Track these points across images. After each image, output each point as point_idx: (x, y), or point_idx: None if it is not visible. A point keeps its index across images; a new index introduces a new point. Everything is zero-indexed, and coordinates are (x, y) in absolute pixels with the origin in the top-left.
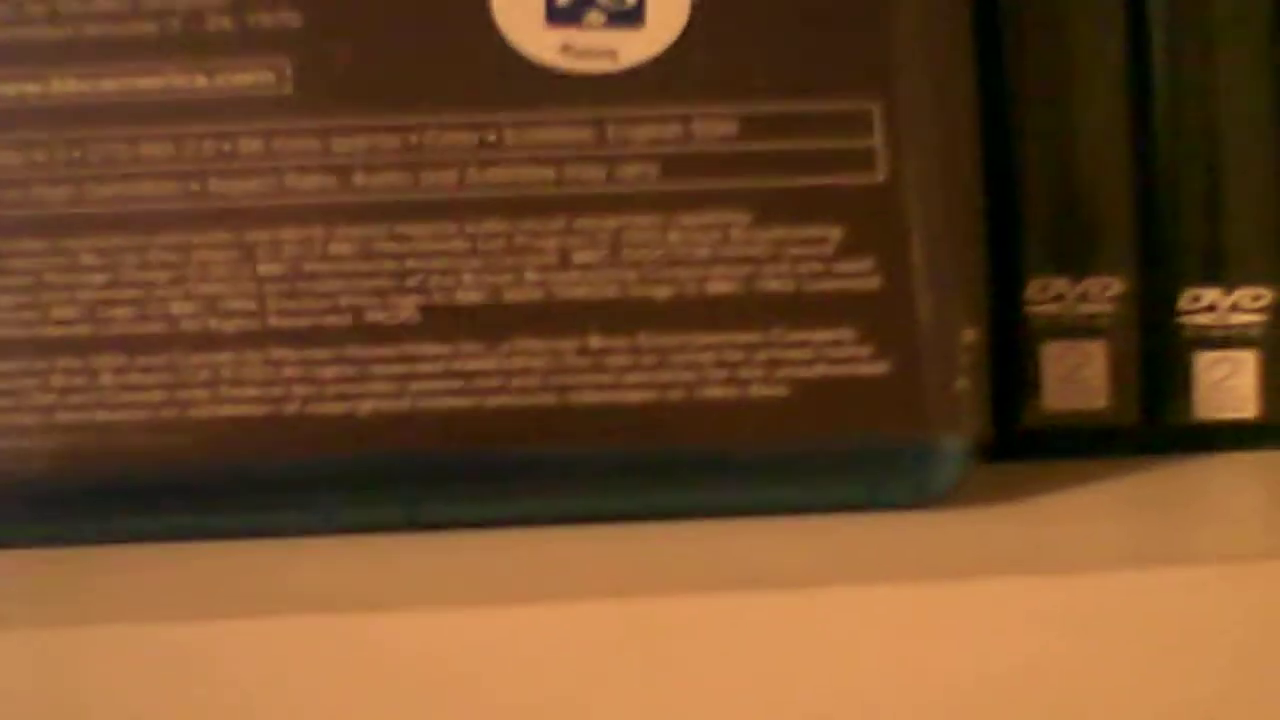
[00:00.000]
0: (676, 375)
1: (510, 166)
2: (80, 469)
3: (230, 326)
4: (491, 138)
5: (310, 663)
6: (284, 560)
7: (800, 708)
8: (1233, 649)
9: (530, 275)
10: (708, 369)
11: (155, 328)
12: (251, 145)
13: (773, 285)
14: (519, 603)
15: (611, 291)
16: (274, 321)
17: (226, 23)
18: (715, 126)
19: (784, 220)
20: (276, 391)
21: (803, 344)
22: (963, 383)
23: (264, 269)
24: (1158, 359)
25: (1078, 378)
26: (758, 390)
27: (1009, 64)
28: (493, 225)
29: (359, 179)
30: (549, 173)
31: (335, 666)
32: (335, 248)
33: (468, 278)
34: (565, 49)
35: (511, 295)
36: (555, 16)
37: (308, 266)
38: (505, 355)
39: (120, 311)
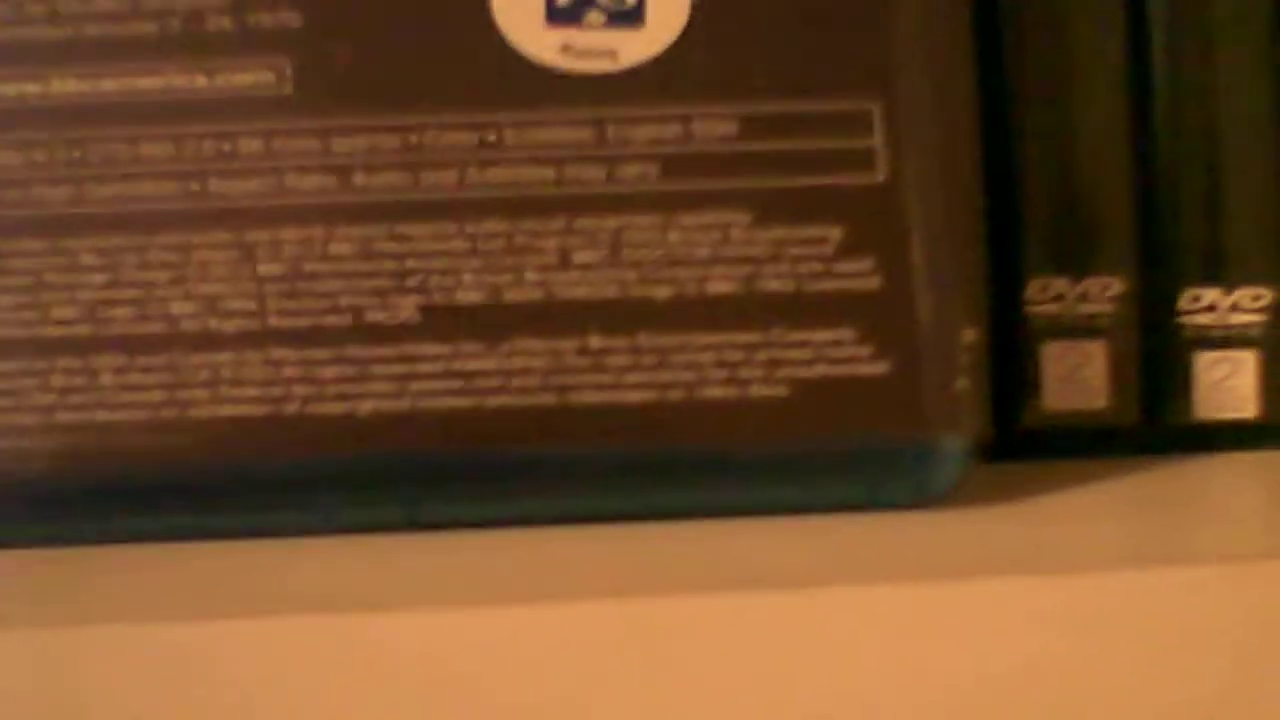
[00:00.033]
0: (676, 375)
1: (510, 166)
2: (80, 469)
3: (230, 326)
4: (491, 138)
5: (310, 663)
6: (284, 560)
7: (800, 708)
8: (1232, 649)
9: (530, 275)
10: (708, 369)
11: (155, 328)
12: (251, 145)
13: (773, 285)
14: (519, 603)
15: (611, 291)
16: (274, 321)
17: (226, 23)
18: (715, 126)
19: (784, 220)
20: (276, 391)
21: (803, 344)
22: (963, 383)
23: (264, 269)
24: (1158, 359)
25: (1078, 378)
26: (758, 390)
27: (1009, 64)
28: (493, 225)
29: (359, 179)
30: (549, 173)
31: (335, 666)
32: (335, 248)
33: (468, 278)
34: (565, 49)
35: (511, 295)
36: (555, 16)
37: (308, 266)
38: (505, 355)
39: (120, 311)
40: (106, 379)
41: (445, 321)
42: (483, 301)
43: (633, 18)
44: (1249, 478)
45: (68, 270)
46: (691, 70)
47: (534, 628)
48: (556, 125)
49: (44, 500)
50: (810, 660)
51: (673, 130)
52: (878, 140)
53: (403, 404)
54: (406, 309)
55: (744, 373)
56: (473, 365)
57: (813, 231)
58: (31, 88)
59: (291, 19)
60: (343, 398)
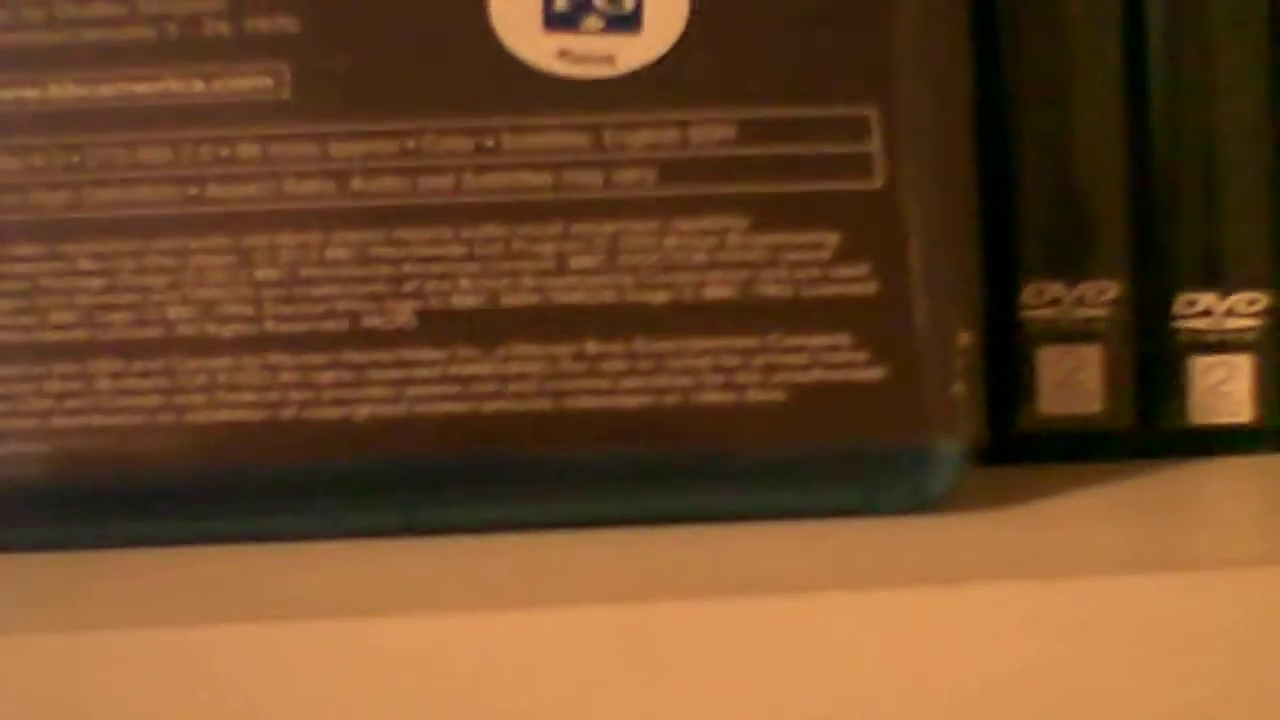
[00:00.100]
0: (673, 380)
1: (507, 171)
2: (77, 474)
3: (227, 331)
4: (489, 143)
5: (309, 667)
6: (281, 565)
7: (797, 713)
8: (1229, 653)
9: (527, 280)
10: (704, 374)
11: (152, 332)
12: (249, 150)
13: (770, 290)
14: (517, 607)
15: (608, 296)
16: (271, 326)
17: (224, 28)
18: (713, 132)
19: (781, 225)
20: (273, 396)
21: (799, 349)
22: (959, 387)
23: (261, 274)
24: (1153, 363)
25: (1073, 382)
26: (754, 395)
27: (1006, 68)
28: (490, 230)
29: (356, 184)
30: (546, 178)
31: (334, 671)
32: (332, 253)
33: (465, 283)
34: (563, 54)
35: (508, 300)
36: (553, 22)
37: (305, 271)
38: (502, 360)
39: (117, 316)
40: (103, 384)
41: (442, 326)
42: (479, 306)
43: (630, 23)
44: (1244, 482)
45: (65, 275)
46: (689, 75)
47: (532, 632)
48: (554, 130)
49: (41, 505)
50: (807, 666)
51: (670, 135)
52: (875, 146)
53: (399, 409)
54: (403, 314)
55: (741, 378)
56: (469, 370)
57: (810, 237)
58: (29, 93)
59: (289, 24)
60: (339, 403)
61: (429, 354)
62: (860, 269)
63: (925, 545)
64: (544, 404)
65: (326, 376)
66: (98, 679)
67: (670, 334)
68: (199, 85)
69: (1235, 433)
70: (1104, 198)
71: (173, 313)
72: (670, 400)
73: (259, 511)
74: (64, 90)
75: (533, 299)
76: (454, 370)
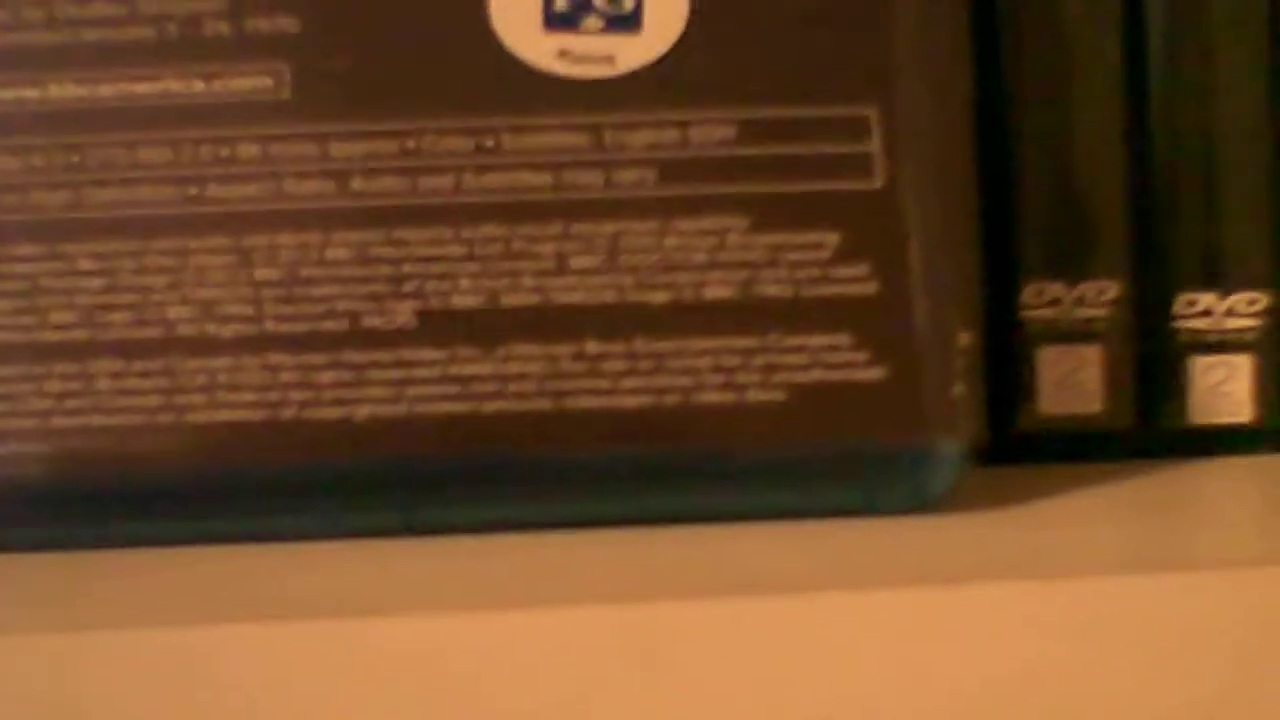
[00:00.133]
0: (673, 380)
1: (507, 171)
2: (77, 474)
3: (227, 331)
4: (489, 143)
5: (309, 667)
6: (281, 565)
7: (798, 713)
8: (1229, 654)
9: (527, 280)
10: (704, 374)
11: (152, 332)
12: (249, 150)
13: (770, 290)
14: (517, 607)
15: (608, 296)
16: (271, 326)
17: (224, 28)
18: (713, 132)
19: (781, 225)
20: (273, 396)
21: (799, 349)
22: (959, 388)
23: (261, 274)
24: (1153, 363)
25: (1073, 382)
26: (754, 395)
27: (1006, 68)
28: (490, 230)
29: (356, 184)
30: (546, 178)
31: (334, 671)
32: (332, 253)
33: (465, 283)
34: (563, 54)
35: (508, 300)
36: (553, 22)
37: (305, 271)
38: (502, 360)
39: (117, 316)
40: (103, 384)
41: (442, 326)
42: (479, 306)
43: (630, 23)
44: (1244, 482)
45: (65, 275)
46: (689, 75)
47: (532, 632)
48: (554, 130)
49: (41, 505)
50: (807, 666)
51: (670, 135)
52: (875, 146)
53: (399, 409)
54: (403, 314)
55: (741, 378)
56: (469, 370)
57: (810, 237)
58: (29, 93)
59: (289, 24)
60: (339, 403)
61: (429, 354)
62: (860, 269)
63: (925, 545)
64: (544, 404)
65: (326, 376)
66: (97, 679)
67: (670, 334)
68: (199, 85)
69: (1235, 433)
70: (1104, 198)
71: (173, 313)
72: (670, 400)
73: (259, 511)
74: (64, 90)
75: (533, 299)
76: (454, 370)
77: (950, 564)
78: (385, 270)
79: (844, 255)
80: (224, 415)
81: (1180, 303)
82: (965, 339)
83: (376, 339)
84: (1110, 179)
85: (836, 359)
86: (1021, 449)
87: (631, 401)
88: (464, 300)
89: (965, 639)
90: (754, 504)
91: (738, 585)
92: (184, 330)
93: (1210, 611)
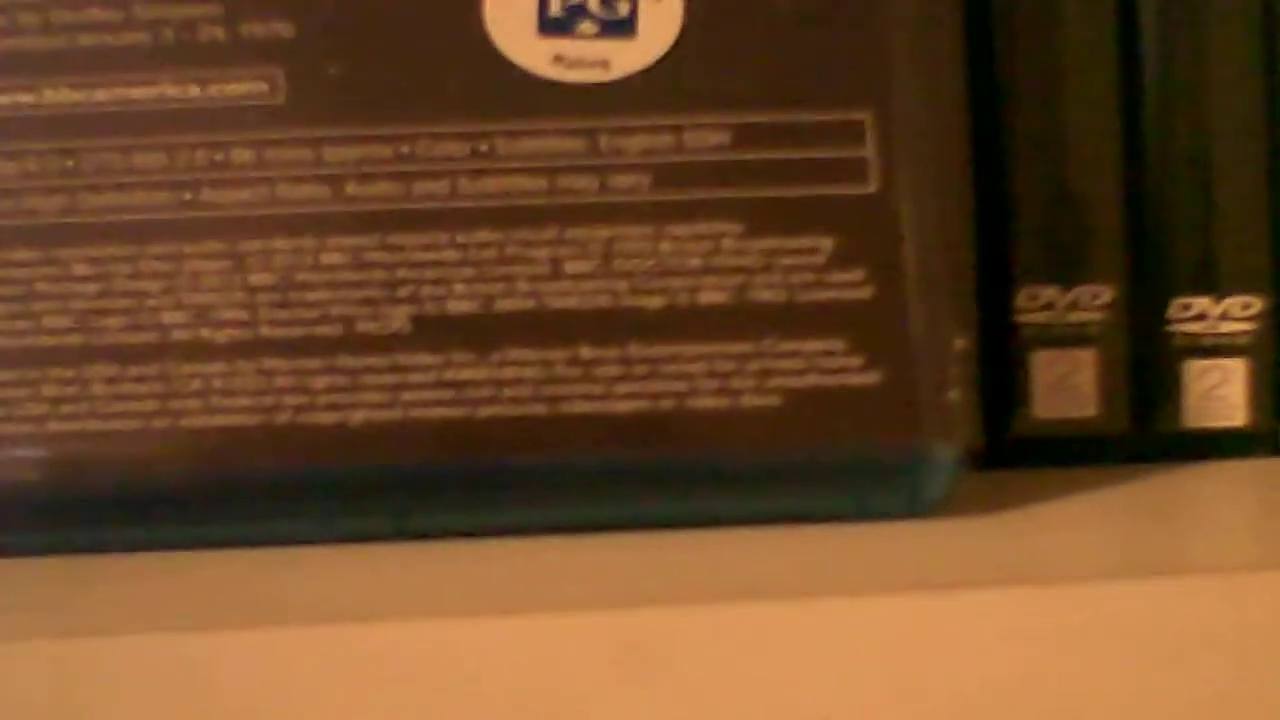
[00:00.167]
0: (668, 385)
1: (502, 176)
2: (72, 479)
3: (222, 336)
4: (483, 147)
5: (305, 672)
6: (277, 570)
7: (793, 718)
8: (1224, 658)
9: (522, 285)
10: (699, 379)
11: (147, 337)
12: (244, 155)
13: (764, 295)
14: (513, 613)
15: (603, 301)
16: (266, 331)
17: (219, 33)
18: (707, 136)
19: (776, 230)
20: (268, 401)
21: (794, 354)
22: (954, 393)
23: (256, 279)
24: (1148, 367)
25: (1068, 386)
26: (749, 400)
27: (1000, 72)
28: (484, 235)
29: (351, 189)
30: (541, 183)
31: (330, 676)
32: (327, 258)
33: (459, 288)
34: (557, 59)
35: (503, 305)
36: (547, 27)
37: (299, 276)
38: (496, 365)
39: (112, 321)
40: (98, 389)
41: (437, 331)
42: (474, 311)
43: (625, 28)
44: (1239, 486)
45: (60, 280)
46: (684, 80)
47: (527, 637)
48: (548, 135)
49: (36, 510)
50: (802, 671)
51: (665, 140)
52: (869, 150)
53: (394, 414)
54: (398, 319)
55: (735, 383)
56: (464, 375)
57: (804, 242)
58: (24, 98)
59: (284, 29)
60: (334, 408)
61: (424, 359)
62: (855, 274)
63: (920, 550)
64: (539, 409)
65: (321, 381)
66: (92, 684)
67: (665, 339)
68: (194, 90)
69: (1230, 437)
70: (1098, 202)
71: (167, 318)
72: (665, 405)
73: (254, 516)
74: (59, 95)
75: (527, 304)
76: (449, 375)
77: (945, 569)
78: (380, 275)
79: (839, 260)
80: (219, 420)
81: (1175, 307)
82: (960, 344)
83: (371, 344)
84: (1105, 183)
85: (831, 364)
86: (1016, 453)
87: (626, 406)
88: (459, 305)
89: (961, 644)
90: (749, 509)
91: (733, 591)
92: (179, 335)
93: (1205, 616)
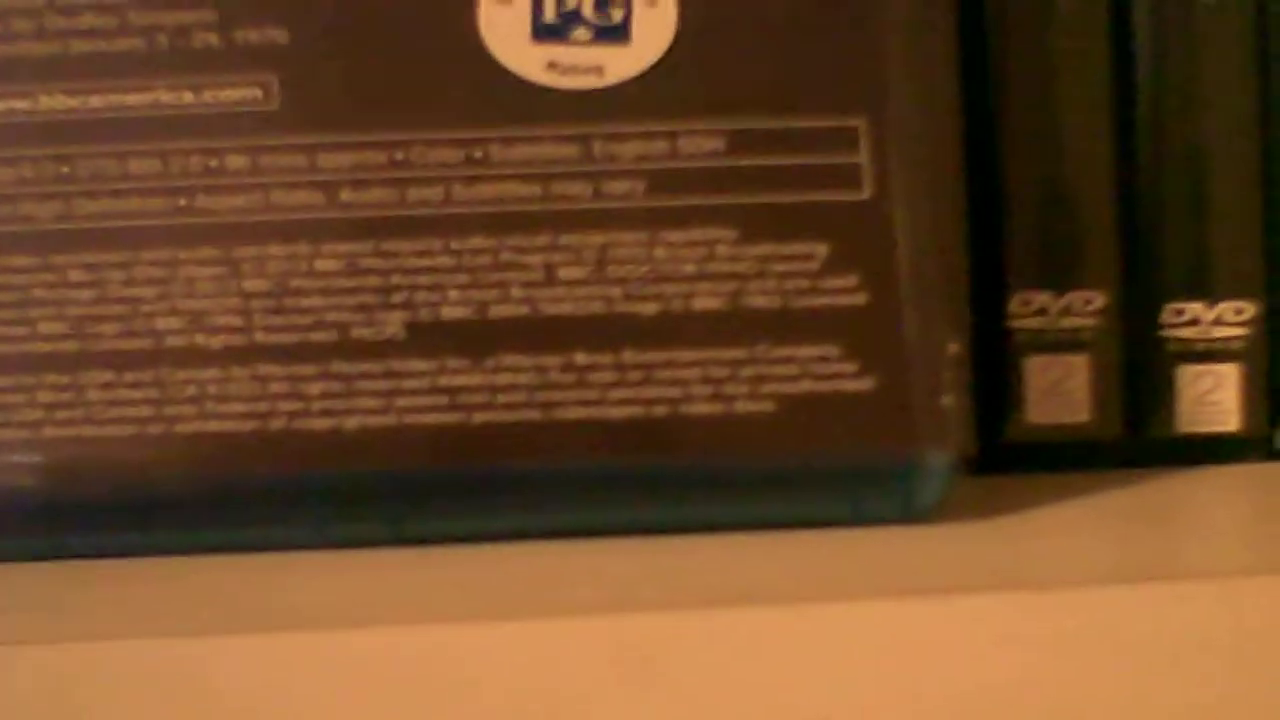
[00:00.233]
0: (662, 391)
1: (496, 182)
2: (67, 484)
3: (217, 342)
4: (478, 154)
5: (301, 678)
6: (272, 575)
7: None
8: (1218, 663)
9: (516, 291)
10: (693, 385)
11: (142, 344)
12: (238, 161)
13: (758, 301)
14: (508, 618)
15: (597, 307)
16: (260, 337)
17: (214, 39)
18: (701, 143)
19: (770, 236)
20: (263, 407)
21: (788, 360)
22: (948, 398)
23: (250, 285)
24: (1141, 372)
25: (1061, 391)
26: (743, 406)
27: (993, 79)
28: (478, 241)
29: (345, 195)
30: (535, 189)
31: (326, 681)
32: (321, 264)
33: (453, 294)
34: (551, 65)
35: (497, 311)
36: (541, 33)
37: (294, 283)
38: (491, 371)
39: (107, 327)
40: (94, 394)
41: (431, 337)
42: (468, 317)
43: (619, 34)
44: (1232, 491)
45: (55, 286)
46: (678, 86)
47: (522, 642)
48: (543, 141)
49: (31, 515)
50: (797, 676)
51: (659, 146)
52: (863, 157)
53: (389, 420)
54: (392, 325)
55: (729, 389)
56: (458, 381)
57: (798, 248)
58: (19, 104)
59: (279, 35)
60: (329, 414)
61: (418, 365)
62: (849, 279)
63: (915, 556)
64: (533, 415)
65: (316, 388)
66: (88, 689)
67: (659, 345)
68: (188, 96)
69: (1223, 442)
70: (1091, 207)
71: (162, 324)
72: (659, 411)
73: (248, 522)
74: (54, 101)
75: (522, 310)
76: (443, 381)
77: (940, 574)
78: (374, 281)
79: (832, 266)
80: (214, 426)
81: (1168, 312)
82: (954, 349)
83: (365, 350)
84: (1098, 188)
85: (825, 370)
86: (1010, 459)
87: (620, 412)
88: (453, 311)
89: (955, 649)
90: (744, 514)
91: (727, 596)
92: (174, 341)
93: (1199, 621)
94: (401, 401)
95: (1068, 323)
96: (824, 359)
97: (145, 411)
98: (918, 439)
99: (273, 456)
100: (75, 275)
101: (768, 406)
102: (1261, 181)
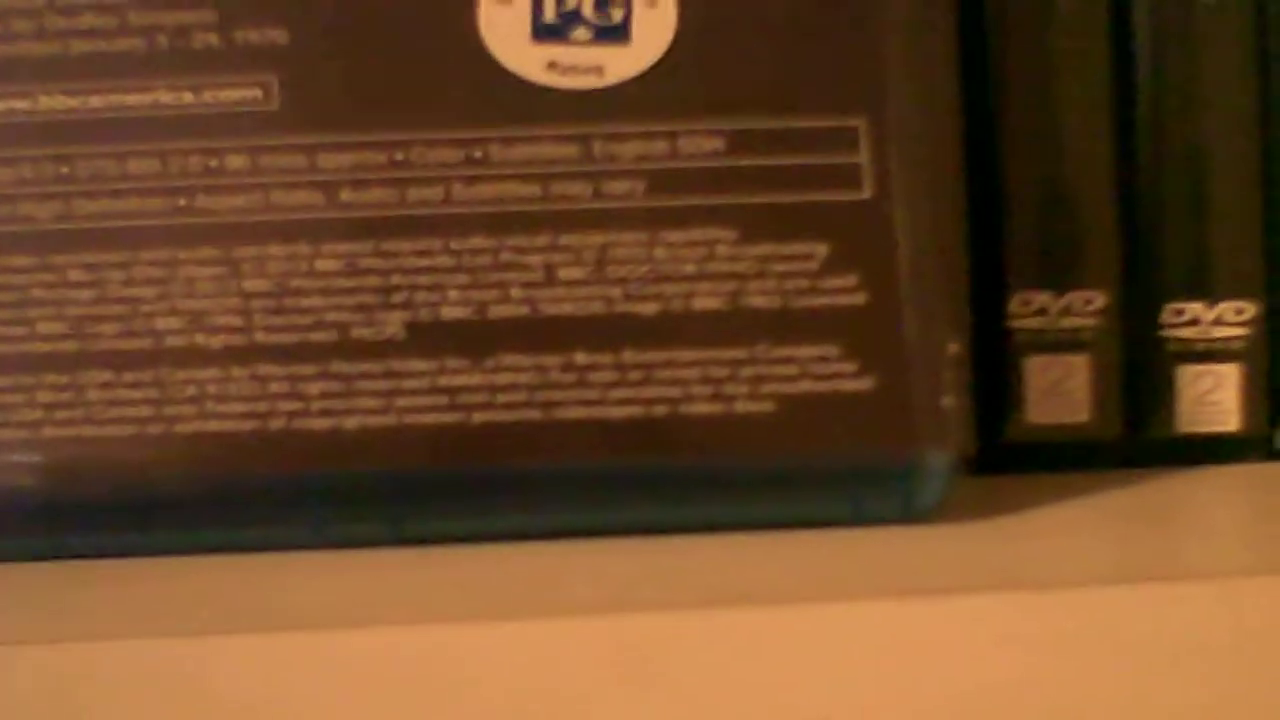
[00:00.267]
0: (662, 391)
1: (496, 182)
2: (67, 484)
3: (216, 342)
4: (478, 154)
5: (301, 678)
6: (272, 575)
7: None
8: (1217, 663)
9: (516, 291)
10: (693, 385)
11: (142, 344)
12: (238, 161)
13: (758, 301)
14: (508, 618)
15: (597, 307)
16: (260, 338)
17: (214, 39)
18: (701, 143)
19: (770, 236)
20: (263, 407)
21: (788, 360)
22: (948, 398)
23: (250, 285)
24: (1141, 372)
25: (1061, 391)
26: (743, 406)
27: (993, 79)
28: (478, 241)
29: (345, 195)
30: (535, 189)
31: (326, 681)
32: (321, 264)
33: (453, 294)
34: (551, 65)
35: (497, 311)
36: (541, 33)
37: (294, 283)
38: (491, 371)
39: (107, 327)
40: (93, 394)
41: (431, 337)
42: (468, 318)
43: (619, 34)
44: (1232, 491)
45: (55, 286)
46: (678, 86)
47: (522, 643)
48: (543, 141)
49: (31, 515)
50: (797, 676)
51: (659, 146)
52: (863, 157)
53: (389, 420)
54: (392, 325)
55: (729, 389)
56: (458, 381)
57: (798, 247)
58: (19, 104)
59: (279, 36)
60: (329, 413)
61: (418, 365)
62: (849, 279)
63: (915, 556)
64: (533, 415)
65: (315, 387)
66: (88, 689)
67: (659, 345)
68: (188, 96)
69: (1223, 442)
70: (1091, 207)
71: (162, 324)
72: (659, 411)
73: (248, 522)
74: (54, 101)
75: (521, 310)
76: (443, 381)
77: (940, 574)
78: (374, 281)
79: (832, 266)
80: (213, 426)
81: (1168, 312)
82: (954, 349)
83: (365, 350)
84: (1098, 188)
85: (825, 370)
86: (1010, 459)
87: (620, 412)
88: (453, 311)
89: (955, 649)
90: (743, 514)
91: (728, 596)
92: (173, 341)
93: (1199, 621)
94: (401, 401)
95: (1068, 323)
96: (824, 359)
97: (145, 411)
98: (918, 439)
99: (272, 456)
100: (75, 275)
101: (768, 406)
102: (1261, 181)
